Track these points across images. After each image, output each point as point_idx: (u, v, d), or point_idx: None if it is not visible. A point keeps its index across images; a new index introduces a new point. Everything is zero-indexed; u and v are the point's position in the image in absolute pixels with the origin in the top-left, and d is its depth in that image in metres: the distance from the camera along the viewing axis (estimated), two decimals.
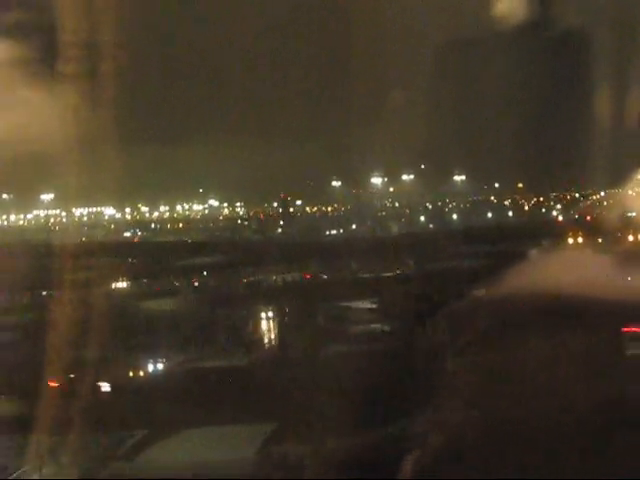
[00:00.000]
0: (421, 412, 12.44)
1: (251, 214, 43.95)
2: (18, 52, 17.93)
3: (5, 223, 37.54)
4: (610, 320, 13.58)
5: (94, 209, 34.33)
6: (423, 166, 40.15)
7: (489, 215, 41.31)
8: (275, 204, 43.13)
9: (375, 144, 35.48)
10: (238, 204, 44.18)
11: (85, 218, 33.12)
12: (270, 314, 22.43)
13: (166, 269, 28.10)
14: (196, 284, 27.00)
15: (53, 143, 14.98)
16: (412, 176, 40.51)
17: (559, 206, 42.05)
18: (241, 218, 43.68)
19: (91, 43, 13.98)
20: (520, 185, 42.42)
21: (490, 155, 38.74)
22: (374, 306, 21.60)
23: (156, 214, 43.28)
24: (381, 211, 41.56)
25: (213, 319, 21.83)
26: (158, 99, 36.49)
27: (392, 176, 40.86)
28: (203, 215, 43.66)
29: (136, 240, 38.03)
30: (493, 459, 10.73)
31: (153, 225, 42.26)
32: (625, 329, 13.75)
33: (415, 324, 17.02)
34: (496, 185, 42.30)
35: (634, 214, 28.87)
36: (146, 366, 18.35)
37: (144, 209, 42.53)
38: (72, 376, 13.27)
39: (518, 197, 43.18)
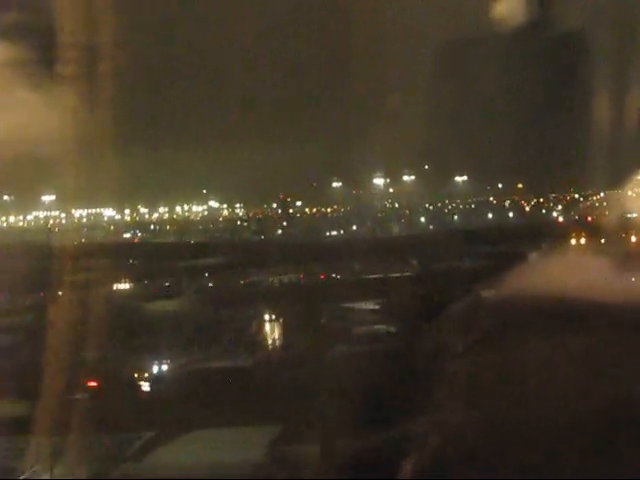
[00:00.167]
0: (424, 413, 12.45)
1: (251, 215, 43.93)
2: (17, 53, 17.89)
3: (5, 224, 37.50)
4: (612, 321, 13.55)
5: (93, 210, 34.26)
6: (427, 167, 40.11)
7: (490, 216, 41.31)
8: (275, 205, 43.12)
9: (376, 145, 35.38)
10: (238, 205, 44.16)
11: (85, 219, 33.08)
12: (274, 315, 22.44)
13: (167, 270, 28.08)
14: (198, 285, 26.99)
15: (52, 144, 14.95)
16: (413, 177, 40.48)
17: (559, 207, 42.03)
18: (241, 219, 43.65)
19: (91, 44, 13.97)
20: (520, 186, 42.40)
21: (490, 155, 38.71)
22: (377, 307, 21.62)
23: (155, 215, 43.26)
24: (381, 212, 41.53)
25: (217, 320, 21.85)
26: (157, 100, 36.44)
27: (393, 177, 40.83)
28: (203, 216, 43.64)
29: (136, 241, 38.04)
30: (494, 459, 10.72)
31: (152, 226, 42.24)
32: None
33: (419, 325, 17.00)
34: (499, 186, 42.28)
35: (634, 215, 28.82)
36: (150, 367, 18.37)
37: (143, 210, 42.51)
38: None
39: (518, 198, 43.15)
